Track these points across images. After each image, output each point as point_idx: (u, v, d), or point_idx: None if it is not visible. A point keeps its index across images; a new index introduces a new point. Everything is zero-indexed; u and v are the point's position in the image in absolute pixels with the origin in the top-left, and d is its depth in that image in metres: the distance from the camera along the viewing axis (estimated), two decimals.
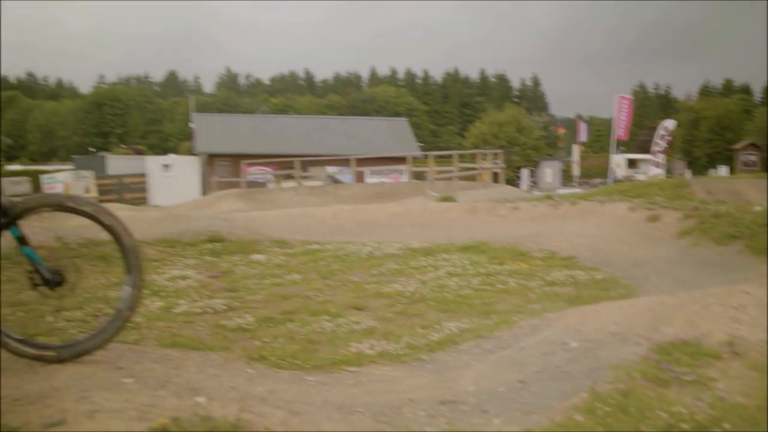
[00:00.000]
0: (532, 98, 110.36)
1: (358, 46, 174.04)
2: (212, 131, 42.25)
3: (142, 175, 36.95)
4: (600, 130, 79.53)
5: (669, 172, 40.95)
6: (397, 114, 73.26)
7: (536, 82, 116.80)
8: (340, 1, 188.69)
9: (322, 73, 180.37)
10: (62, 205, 3.27)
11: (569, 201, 12.35)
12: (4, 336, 3.16)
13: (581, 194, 15.90)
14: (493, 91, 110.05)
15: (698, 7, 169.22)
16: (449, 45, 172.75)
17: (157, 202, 33.20)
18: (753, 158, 51.15)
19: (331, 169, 32.94)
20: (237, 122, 47.13)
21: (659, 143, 35.44)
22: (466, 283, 6.84)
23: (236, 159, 36.73)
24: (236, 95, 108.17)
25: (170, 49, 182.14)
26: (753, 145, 52.76)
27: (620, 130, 35.79)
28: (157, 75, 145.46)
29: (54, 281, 3.23)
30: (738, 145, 53.83)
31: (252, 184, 31.79)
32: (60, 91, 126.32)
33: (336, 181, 30.18)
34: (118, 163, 40.50)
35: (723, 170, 48.69)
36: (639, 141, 56.48)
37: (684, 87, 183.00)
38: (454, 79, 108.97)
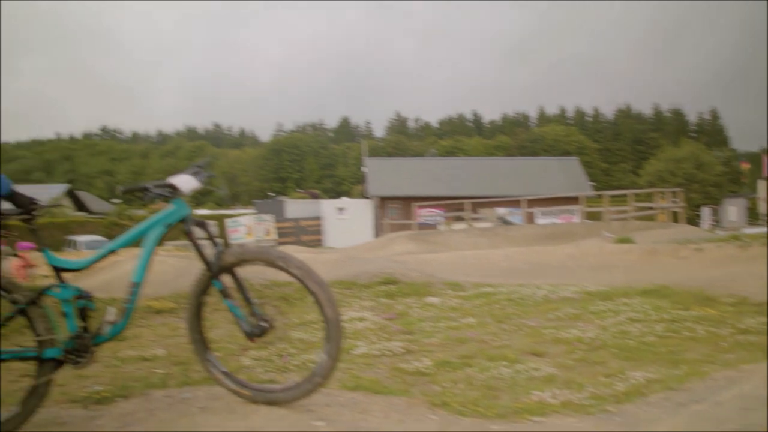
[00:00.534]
0: (711, 132, 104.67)
1: (526, 86, 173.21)
2: (383, 175, 43.29)
3: (318, 218, 38.35)
4: None
5: None
6: (567, 153, 71.88)
7: (715, 116, 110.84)
8: (506, 43, 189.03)
9: (490, 114, 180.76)
10: (273, 262, 3.35)
11: (759, 242, 11.51)
12: (212, 365, 3.35)
13: None
14: (667, 126, 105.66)
15: None
16: (620, 81, 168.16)
17: (331, 244, 34.26)
18: None
19: (501, 210, 32.71)
20: (407, 165, 48.07)
21: None
22: (650, 329, 6.49)
23: (407, 201, 37.38)
24: (406, 139, 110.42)
25: (343, 96, 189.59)
26: None
27: None
28: (331, 122, 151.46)
29: (254, 334, 3.35)
30: None
31: (423, 226, 32.13)
32: (242, 140, 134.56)
33: (506, 223, 29.91)
34: (295, 207, 42.34)
35: None
36: None
37: None
38: (626, 115, 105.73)
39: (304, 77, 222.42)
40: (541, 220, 30.88)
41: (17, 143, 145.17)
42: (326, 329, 3.31)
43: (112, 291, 8.83)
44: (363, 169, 49.63)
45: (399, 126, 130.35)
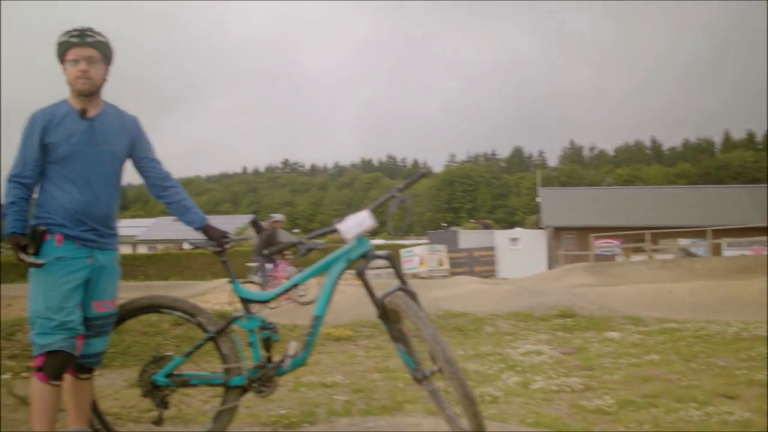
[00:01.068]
0: None
1: (709, 110, 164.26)
2: (558, 205, 42.37)
3: (491, 248, 38.10)
4: None
5: None
6: (757, 180, 67.07)
7: None
8: (686, 66, 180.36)
9: (670, 140, 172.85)
10: (414, 323, 3.17)
11: None
12: (435, 395, 3.33)
13: None
14: None
15: None
16: None
17: (504, 275, 33.89)
18: None
19: (683, 242, 31.06)
20: (583, 195, 46.76)
21: None
22: None
23: (583, 232, 36.32)
24: (580, 168, 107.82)
25: (516, 125, 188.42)
26: None
27: None
28: (504, 151, 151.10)
29: (418, 378, 3.35)
30: None
31: (599, 258, 31.10)
32: (415, 171, 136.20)
33: (690, 254, 28.33)
34: (468, 237, 42.31)
35: None
36: None
37: None
38: None
39: (477, 107, 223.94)
40: (728, 252, 28.95)
41: (207, 177, 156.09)
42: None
43: (293, 317, 9.23)
44: (537, 199, 48.88)
45: (573, 155, 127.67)
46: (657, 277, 19.92)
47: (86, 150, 3.26)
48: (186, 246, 48.02)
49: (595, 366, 6.32)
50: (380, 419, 4.02)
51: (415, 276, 29.86)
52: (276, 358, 3.52)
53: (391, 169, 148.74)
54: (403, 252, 35.29)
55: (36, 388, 3.14)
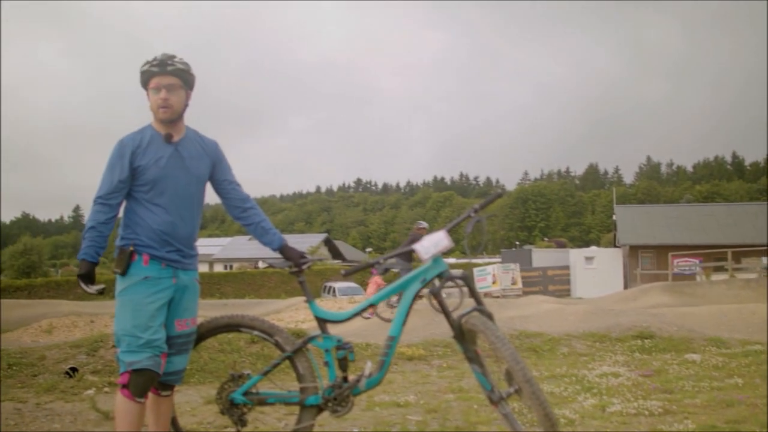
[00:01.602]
0: None
1: None
2: (635, 222, 41.43)
3: (565, 267, 37.52)
4: None
5: None
6: None
7: None
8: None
9: (752, 155, 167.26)
10: (492, 344, 3.14)
11: None
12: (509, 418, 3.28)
13: None
14: None
15: None
16: None
17: (579, 294, 33.32)
18: None
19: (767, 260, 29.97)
20: (660, 212, 45.61)
21: None
22: None
23: (660, 250, 35.45)
24: (658, 184, 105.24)
25: (590, 142, 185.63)
26: None
27: None
28: (578, 168, 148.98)
29: (494, 399, 3.28)
30: None
31: (678, 277, 30.27)
32: (489, 189, 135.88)
33: None
34: (542, 256, 41.78)
35: None
36: None
37: None
38: None
39: (551, 123, 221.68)
40: None
41: (282, 196, 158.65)
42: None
43: (366, 336, 9.27)
44: (613, 217, 47.94)
45: (650, 171, 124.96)
46: (739, 297, 19.24)
47: (172, 173, 3.39)
48: (261, 265, 48.87)
49: (674, 389, 6.15)
50: None
51: (487, 295, 29.63)
52: (351, 377, 3.55)
53: (463, 187, 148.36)
54: (476, 271, 35.08)
55: (121, 404, 3.25)
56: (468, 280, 3.48)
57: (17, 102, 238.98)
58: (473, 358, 3.36)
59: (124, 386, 3.23)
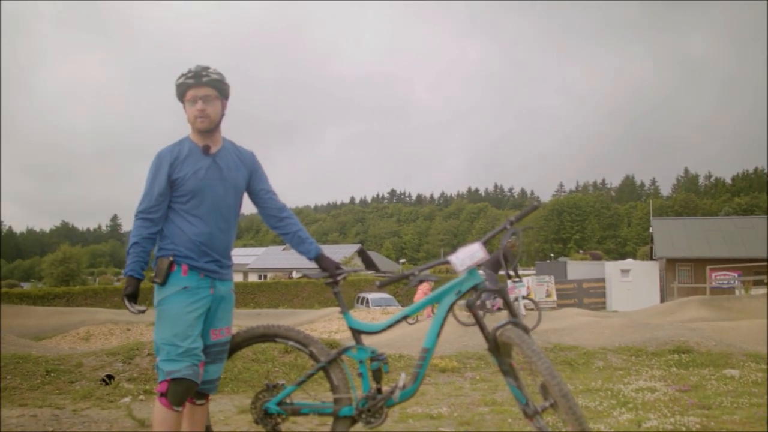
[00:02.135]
0: None
1: None
2: (672, 235, 40.87)
3: (601, 280, 37.13)
4: None
5: None
6: None
7: None
8: None
9: None
10: (528, 357, 3.11)
11: None
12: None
13: None
14: None
15: None
16: None
17: (615, 307, 32.96)
18: None
19: None
20: (698, 225, 44.92)
21: None
22: None
23: (698, 264, 34.92)
24: (695, 197, 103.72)
25: (627, 153, 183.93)
26: None
27: None
28: (614, 180, 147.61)
29: (529, 413, 3.24)
30: None
31: (716, 291, 29.79)
32: (523, 201, 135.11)
33: None
34: (577, 268, 41.35)
35: None
36: None
37: None
38: None
39: (586, 134, 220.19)
40: None
41: (316, 207, 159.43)
42: None
43: (399, 348, 9.26)
44: (649, 229, 47.34)
45: (687, 183, 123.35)
46: None
47: (210, 184, 3.44)
48: (295, 275, 49.08)
49: (713, 405, 6.04)
50: None
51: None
52: (385, 389, 3.55)
53: (498, 198, 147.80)
54: (510, 283, 34.81)
55: (158, 413, 3.28)
56: (503, 293, 3.47)
57: (59, 112, 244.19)
58: (508, 371, 3.34)
59: (163, 395, 3.26)
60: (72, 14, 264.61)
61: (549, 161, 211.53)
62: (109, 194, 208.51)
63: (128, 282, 3.35)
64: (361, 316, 20.35)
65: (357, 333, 3.64)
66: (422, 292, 14.24)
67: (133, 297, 3.36)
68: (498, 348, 3.34)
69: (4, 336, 9.76)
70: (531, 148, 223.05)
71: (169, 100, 3.49)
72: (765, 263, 26.44)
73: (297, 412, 3.64)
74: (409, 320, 12.29)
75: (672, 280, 35.64)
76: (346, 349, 3.63)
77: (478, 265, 3.42)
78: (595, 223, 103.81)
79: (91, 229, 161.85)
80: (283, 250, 58.58)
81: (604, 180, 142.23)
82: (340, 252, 55.44)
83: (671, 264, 38.03)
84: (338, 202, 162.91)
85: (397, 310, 23.64)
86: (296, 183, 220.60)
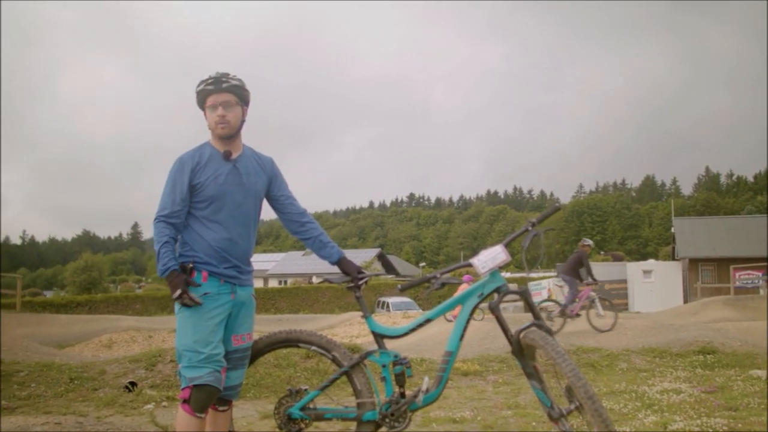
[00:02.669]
0: None
1: None
2: (694, 235, 40.50)
3: (623, 281, 36.86)
4: None
5: None
6: None
7: None
8: None
9: None
10: (553, 359, 3.07)
11: None
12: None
13: None
14: None
15: None
16: None
17: (637, 308, 32.71)
18: None
19: None
20: (721, 224, 44.48)
21: None
22: None
23: (721, 263, 34.58)
24: (717, 196, 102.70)
25: (647, 153, 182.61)
26: None
27: None
28: (635, 180, 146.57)
29: (554, 416, 3.21)
30: None
31: (740, 290, 29.45)
32: (543, 203, 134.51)
33: None
34: (599, 270, 41.00)
35: None
36: None
37: None
38: None
39: (606, 134, 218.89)
40: None
41: (335, 211, 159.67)
42: None
43: (421, 351, 9.23)
44: (671, 229, 46.93)
45: (709, 182, 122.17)
46: None
47: (230, 190, 3.44)
48: (315, 280, 49.13)
49: (739, 406, 5.97)
50: None
51: (542, 310, 29.24)
52: (408, 393, 3.53)
53: (517, 201, 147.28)
54: (531, 285, 34.68)
55: (181, 419, 3.28)
56: (526, 295, 3.44)
57: (79, 120, 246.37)
58: (532, 373, 3.31)
59: (185, 401, 3.26)
60: (90, 23, 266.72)
61: (568, 162, 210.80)
62: (129, 202, 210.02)
63: (173, 276, 3.24)
64: (381, 320, 20.32)
65: (379, 337, 3.62)
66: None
67: (187, 286, 3.25)
68: (522, 350, 3.32)
69: (29, 344, 9.86)
70: (550, 150, 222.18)
71: (190, 107, 3.49)
72: None
73: (320, 417, 3.63)
74: (449, 316, 12.18)
75: (695, 281, 35.28)
76: (368, 354, 3.62)
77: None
78: (615, 224, 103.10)
79: (112, 237, 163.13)
80: (303, 255, 58.62)
81: (624, 180, 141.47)
82: (359, 256, 55.41)
83: (694, 264, 37.65)
84: (357, 207, 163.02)
85: (418, 314, 23.59)
86: (315, 188, 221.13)
